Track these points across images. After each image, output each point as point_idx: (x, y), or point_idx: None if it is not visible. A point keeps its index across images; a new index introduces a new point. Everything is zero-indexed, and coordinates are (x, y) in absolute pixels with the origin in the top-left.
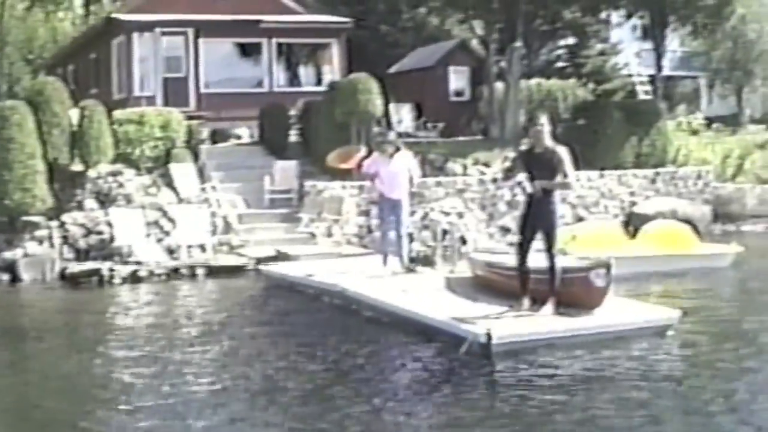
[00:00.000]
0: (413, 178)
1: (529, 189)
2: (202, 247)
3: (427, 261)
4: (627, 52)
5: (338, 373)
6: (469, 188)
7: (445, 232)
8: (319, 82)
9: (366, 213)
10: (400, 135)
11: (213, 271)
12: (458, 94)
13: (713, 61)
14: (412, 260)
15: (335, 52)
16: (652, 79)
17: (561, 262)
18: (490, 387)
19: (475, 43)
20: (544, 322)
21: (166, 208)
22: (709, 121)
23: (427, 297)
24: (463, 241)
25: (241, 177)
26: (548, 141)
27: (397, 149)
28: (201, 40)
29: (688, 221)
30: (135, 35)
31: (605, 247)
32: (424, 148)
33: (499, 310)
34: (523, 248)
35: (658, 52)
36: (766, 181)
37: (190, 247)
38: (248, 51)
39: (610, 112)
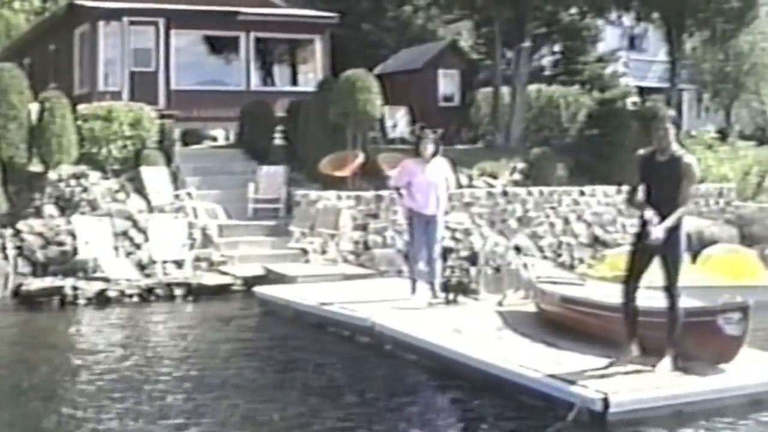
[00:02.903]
0: (450, 189)
1: (655, 234)
2: (179, 264)
3: (462, 288)
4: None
5: None
6: (477, 202)
7: (450, 251)
8: (295, 81)
9: (363, 227)
10: (393, 141)
11: (193, 292)
12: (447, 99)
13: (702, 74)
14: (445, 288)
15: (318, 50)
16: (641, 90)
17: (683, 303)
18: None
19: (465, 45)
20: (669, 383)
21: (136, 217)
22: (722, 135)
23: (490, 340)
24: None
25: (220, 183)
26: (675, 146)
27: (436, 152)
28: (173, 32)
29: (714, 243)
30: (100, 24)
31: None
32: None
33: (595, 361)
34: (631, 283)
35: (674, 59)
36: None
37: (165, 262)
38: (224, 45)
39: (627, 122)
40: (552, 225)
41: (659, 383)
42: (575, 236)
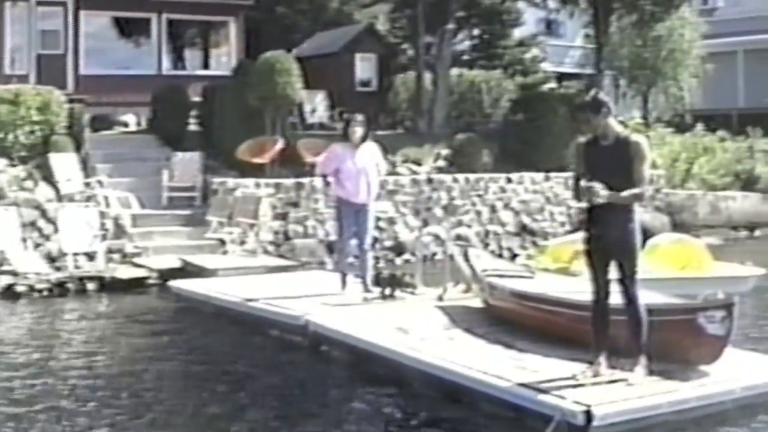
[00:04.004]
0: (381, 175)
1: (600, 197)
2: (91, 256)
3: (397, 281)
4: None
5: None
6: (401, 189)
7: (376, 240)
8: (208, 65)
9: (283, 216)
10: (312, 126)
11: (106, 286)
12: (365, 84)
13: (620, 59)
14: (377, 281)
15: (232, 32)
16: (559, 76)
17: (645, 298)
18: None
19: (382, 29)
20: (654, 390)
21: (45, 207)
22: (645, 121)
23: (441, 340)
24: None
25: (132, 171)
26: (617, 128)
27: (365, 137)
28: (82, 13)
29: (645, 232)
30: (7, 5)
31: None
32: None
33: (561, 365)
34: (597, 280)
35: (599, 43)
36: (714, 187)
37: (76, 254)
38: (135, 27)
39: (555, 107)
40: (478, 213)
41: (644, 391)
42: (502, 225)
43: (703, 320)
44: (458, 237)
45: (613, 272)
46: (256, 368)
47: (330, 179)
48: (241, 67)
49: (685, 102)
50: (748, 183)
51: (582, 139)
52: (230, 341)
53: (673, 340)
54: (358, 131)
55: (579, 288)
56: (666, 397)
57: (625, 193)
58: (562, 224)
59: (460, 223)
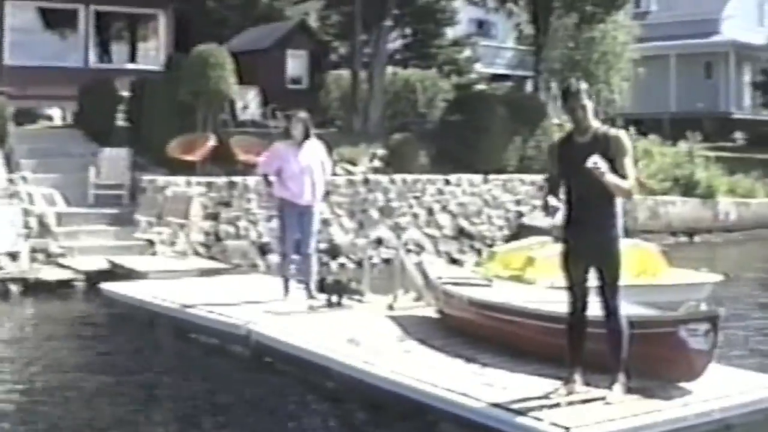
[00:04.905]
0: (326, 174)
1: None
2: (13, 256)
3: (342, 287)
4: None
5: None
6: (336, 190)
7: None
8: (137, 58)
9: (214, 216)
10: (243, 123)
11: (31, 288)
12: (295, 81)
13: (551, 61)
14: (322, 287)
15: (162, 26)
16: (491, 77)
17: (627, 312)
18: None
19: (314, 26)
20: (635, 410)
21: None
22: None
23: (397, 353)
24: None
25: (57, 167)
26: (595, 122)
27: (307, 134)
28: (7, 4)
29: None
30: None
31: None
32: (276, 141)
33: (530, 381)
34: (573, 289)
35: (538, 44)
36: (653, 191)
37: None
38: (61, 19)
39: (494, 108)
40: (415, 216)
41: (625, 411)
42: (440, 228)
43: (685, 333)
44: (378, 240)
45: (592, 281)
46: (195, 382)
47: (272, 179)
48: (172, 60)
49: (616, 105)
50: (687, 188)
51: (556, 137)
52: (167, 351)
53: (652, 354)
54: (298, 128)
55: (544, 297)
56: (649, 418)
57: (618, 180)
58: (501, 228)
59: (397, 226)
